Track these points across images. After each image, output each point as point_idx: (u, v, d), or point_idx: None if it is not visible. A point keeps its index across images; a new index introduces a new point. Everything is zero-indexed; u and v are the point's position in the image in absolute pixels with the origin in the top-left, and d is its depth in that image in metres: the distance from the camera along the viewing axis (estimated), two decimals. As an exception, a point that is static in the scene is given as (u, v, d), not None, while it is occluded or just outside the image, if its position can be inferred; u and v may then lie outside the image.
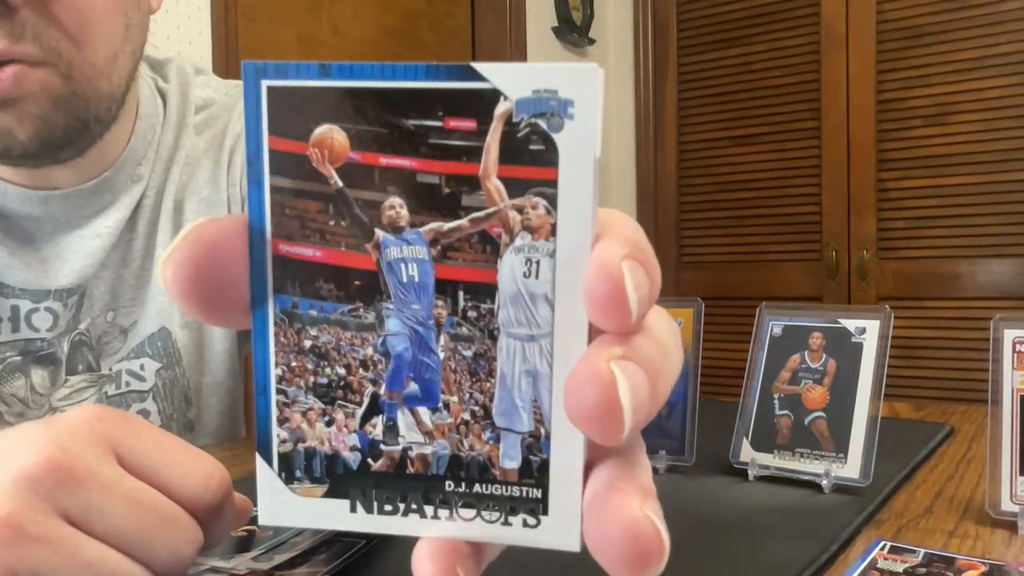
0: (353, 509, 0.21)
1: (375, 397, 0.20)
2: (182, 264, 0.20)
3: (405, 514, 0.21)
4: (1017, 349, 0.46)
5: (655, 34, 2.99)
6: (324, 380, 0.20)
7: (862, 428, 0.53)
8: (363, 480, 0.21)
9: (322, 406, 0.20)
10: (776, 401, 0.56)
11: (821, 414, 0.55)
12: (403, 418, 0.20)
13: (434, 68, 0.18)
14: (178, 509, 0.32)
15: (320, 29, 2.11)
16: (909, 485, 0.55)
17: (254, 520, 0.45)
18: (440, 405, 0.20)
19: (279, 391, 0.20)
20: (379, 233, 0.19)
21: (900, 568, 0.39)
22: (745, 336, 0.67)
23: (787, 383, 0.57)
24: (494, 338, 0.19)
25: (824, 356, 0.56)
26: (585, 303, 0.18)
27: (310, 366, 0.20)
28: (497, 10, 2.57)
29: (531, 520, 0.21)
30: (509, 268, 0.18)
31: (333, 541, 0.42)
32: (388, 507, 0.21)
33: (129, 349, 0.69)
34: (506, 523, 0.21)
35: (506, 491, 0.20)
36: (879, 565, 0.39)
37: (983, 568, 0.39)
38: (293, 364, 0.20)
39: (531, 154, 0.17)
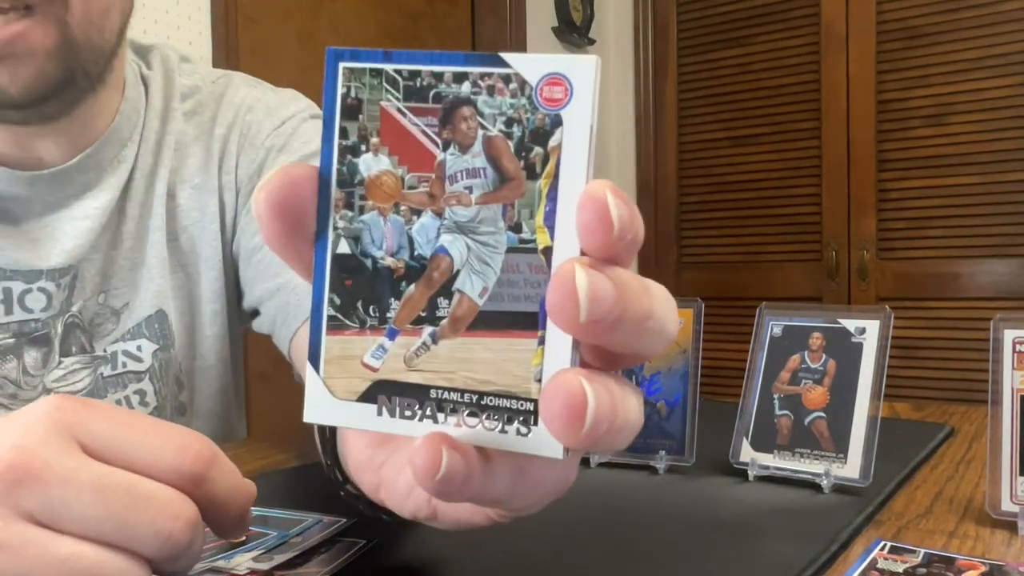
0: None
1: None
2: (273, 191, 0.25)
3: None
4: (1017, 349, 0.46)
5: (655, 34, 2.99)
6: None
7: (862, 428, 0.53)
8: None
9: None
10: (776, 401, 0.56)
11: (821, 414, 0.55)
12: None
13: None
14: (154, 485, 0.30)
15: (320, 29, 2.11)
16: (909, 485, 0.55)
17: (252, 519, 0.45)
18: None
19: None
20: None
21: (900, 568, 0.39)
22: (745, 336, 0.67)
23: (787, 383, 0.57)
24: None
25: (824, 356, 0.56)
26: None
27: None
28: (497, 10, 2.57)
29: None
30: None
31: (333, 541, 0.42)
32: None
33: (124, 331, 0.70)
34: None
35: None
36: (879, 565, 0.39)
37: (983, 568, 0.39)
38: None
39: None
